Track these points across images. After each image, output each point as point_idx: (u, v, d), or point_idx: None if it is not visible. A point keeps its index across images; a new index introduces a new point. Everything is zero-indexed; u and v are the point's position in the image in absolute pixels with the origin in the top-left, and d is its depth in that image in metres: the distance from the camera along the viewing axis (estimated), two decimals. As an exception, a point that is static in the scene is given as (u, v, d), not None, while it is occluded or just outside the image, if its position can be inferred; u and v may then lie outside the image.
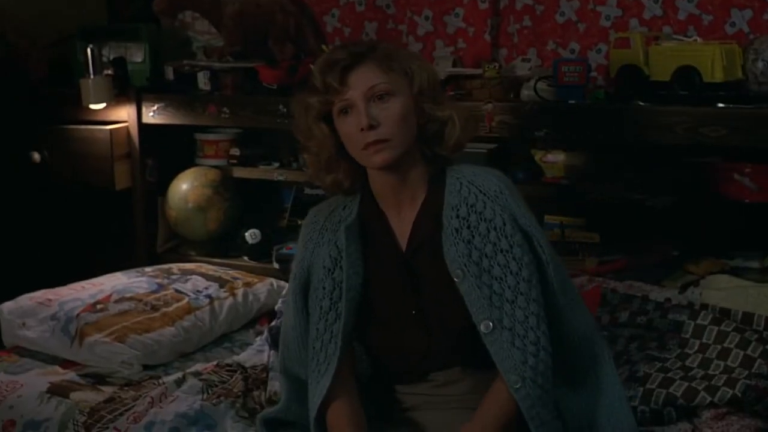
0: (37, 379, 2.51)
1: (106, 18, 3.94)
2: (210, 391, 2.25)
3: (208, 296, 2.84)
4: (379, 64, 1.81)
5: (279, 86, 3.22)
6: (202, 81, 3.35)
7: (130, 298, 2.76)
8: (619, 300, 2.57)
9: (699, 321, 2.39)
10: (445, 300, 1.80)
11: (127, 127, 3.41)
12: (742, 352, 2.26)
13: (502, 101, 2.90)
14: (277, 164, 3.43)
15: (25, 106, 3.60)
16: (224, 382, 2.33)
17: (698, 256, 2.84)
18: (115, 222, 3.51)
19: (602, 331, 2.05)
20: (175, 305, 2.74)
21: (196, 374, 2.35)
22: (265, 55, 3.31)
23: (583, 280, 2.73)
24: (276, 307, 2.92)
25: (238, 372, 2.43)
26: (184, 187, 3.38)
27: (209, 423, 2.18)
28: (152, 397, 2.28)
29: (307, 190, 3.35)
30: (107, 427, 2.23)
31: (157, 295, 2.79)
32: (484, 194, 1.80)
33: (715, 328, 2.35)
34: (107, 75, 3.38)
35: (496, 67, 2.99)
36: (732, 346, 2.29)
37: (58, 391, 2.42)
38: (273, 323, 2.73)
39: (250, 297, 2.93)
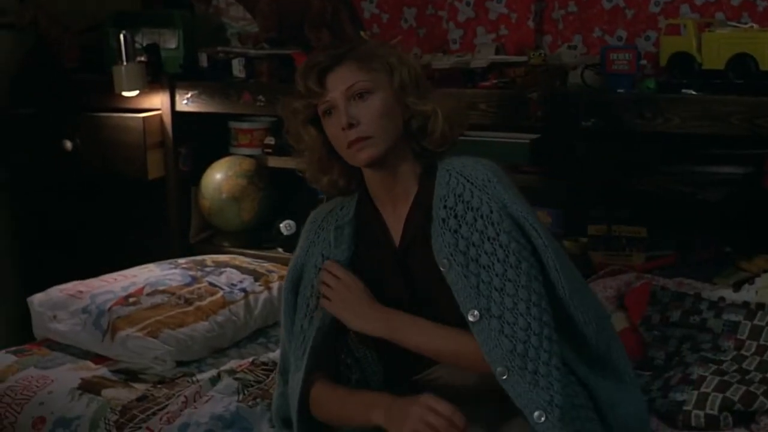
0: (69, 374, 2.44)
1: (139, 4, 3.89)
2: (246, 392, 2.18)
3: (243, 290, 2.77)
4: (358, 63, 1.82)
5: None
6: (237, 68, 3.28)
7: (163, 291, 2.69)
8: (670, 298, 2.46)
9: (756, 322, 2.29)
10: (438, 293, 1.79)
11: (160, 115, 3.36)
12: (802, 355, 2.16)
13: (547, 90, 2.79)
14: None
15: (57, 93, 3.57)
16: (260, 382, 2.25)
17: (751, 252, 2.74)
18: (147, 212, 3.45)
19: (609, 315, 2.02)
20: (209, 299, 2.67)
21: (231, 372, 2.27)
22: (301, 42, 3.25)
23: (630, 277, 2.62)
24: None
25: (275, 371, 2.33)
26: (218, 176, 3.33)
27: (245, 426, 2.11)
28: (186, 397, 2.21)
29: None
30: (139, 427, 2.17)
31: (191, 288, 2.72)
32: (472, 183, 1.79)
33: (774, 330, 2.25)
34: (140, 62, 3.32)
35: (542, 55, 2.89)
36: (792, 348, 2.19)
37: (89, 387, 2.36)
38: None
39: (285, 290, 2.84)
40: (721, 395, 2.08)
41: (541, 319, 1.71)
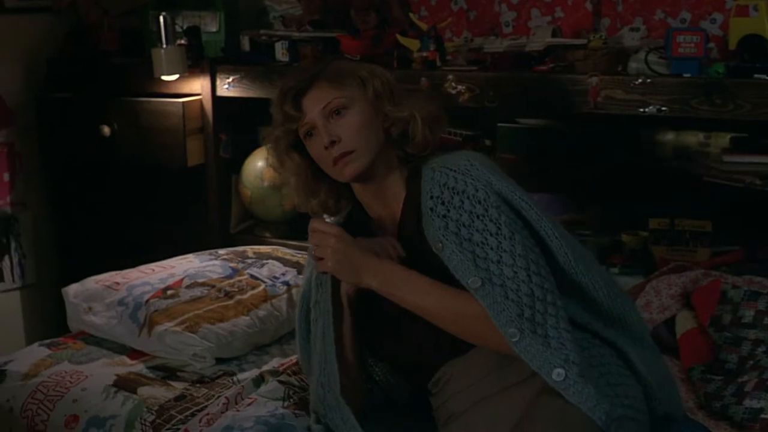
0: (104, 370, 2.33)
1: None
2: (292, 399, 2.03)
3: (286, 283, 2.64)
4: (330, 81, 1.86)
5: (362, 58, 3.03)
6: (280, 52, 3.19)
7: (203, 284, 2.57)
8: (743, 298, 2.30)
9: (838, 324, 2.12)
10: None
11: (200, 100, 3.27)
12: None
13: (608, 74, 2.64)
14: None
15: (95, 77, 3.50)
16: (305, 390, 2.06)
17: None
18: (186, 200, 3.38)
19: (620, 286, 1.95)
20: (251, 292, 2.55)
21: (275, 373, 2.13)
22: (347, 25, 3.16)
23: (697, 274, 2.46)
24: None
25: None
26: (260, 164, 3.23)
27: (293, 434, 1.99)
28: (228, 398, 2.08)
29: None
30: (177, 429, 2.05)
31: (231, 281, 2.60)
32: (455, 170, 1.79)
33: None
34: (180, 45, 3.24)
35: (602, 37, 2.73)
36: None
37: (125, 384, 2.24)
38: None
39: (330, 284, 2.71)
40: (802, 403, 1.94)
41: (542, 286, 1.70)
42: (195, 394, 2.17)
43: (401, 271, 1.80)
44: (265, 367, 2.27)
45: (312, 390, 1.89)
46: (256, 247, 2.96)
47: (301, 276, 2.65)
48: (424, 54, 2.92)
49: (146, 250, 2.98)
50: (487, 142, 3.13)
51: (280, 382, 2.07)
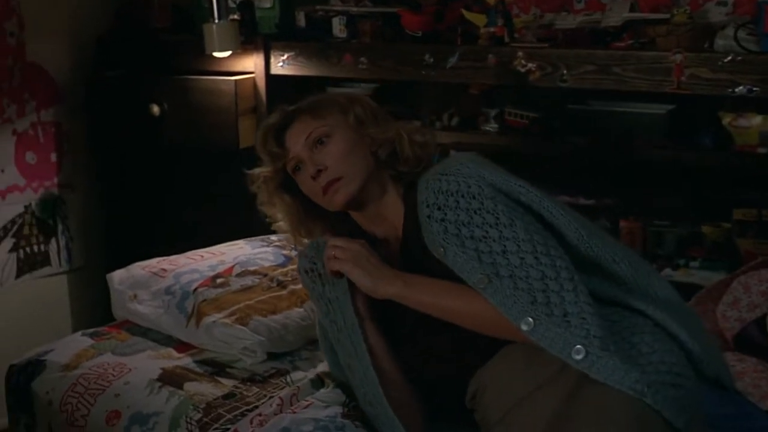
0: (148, 362, 2.19)
1: (233, -41, 3.66)
2: (351, 405, 1.86)
3: (341, 272, 2.46)
4: (310, 113, 1.90)
5: (424, 34, 2.95)
6: (338, 27, 3.10)
7: (254, 272, 2.43)
8: None
9: None
10: None
11: (253, 79, 3.17)
12: None
13: (693, 51, 2.44)
14: (418, 122, 3.02)
15: (145, 55, 3.43)
16: None
17: None
18: (238, 183, 3.12)
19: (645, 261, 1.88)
20: (305, 282, 2.38)
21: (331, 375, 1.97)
22: (408, -1, 3.01)
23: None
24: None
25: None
26: None
27: (356, 441, 1.83)
28: (282, 399, 1.93)
29: (454, 154, 2.93)
30: (227, 429, 1.90)
31: (284, 270, 2.45)
32: (446, 174, 1.76)
33: None
34: (233, 20, 3.11)
35: (687, 12, 2.53)
36: None
37: (170, 379, 2.09)
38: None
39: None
40: None
41: (554, 264, 1.65)
42: (245, 393, 2.02)
43: (416, 277, 1.77)
44: (321, 367, 2.11)
45: (366, 411, 1.81)
46: (311, 234, 2.78)
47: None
48: (492, 30, 2.78)
49: (195, 234, 2.90)
50: (556, 125, 2.95)
51: (337, 385, 1.90)
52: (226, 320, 2.18)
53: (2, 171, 3.30)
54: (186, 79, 3.20)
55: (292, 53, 3.08)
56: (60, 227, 3.52)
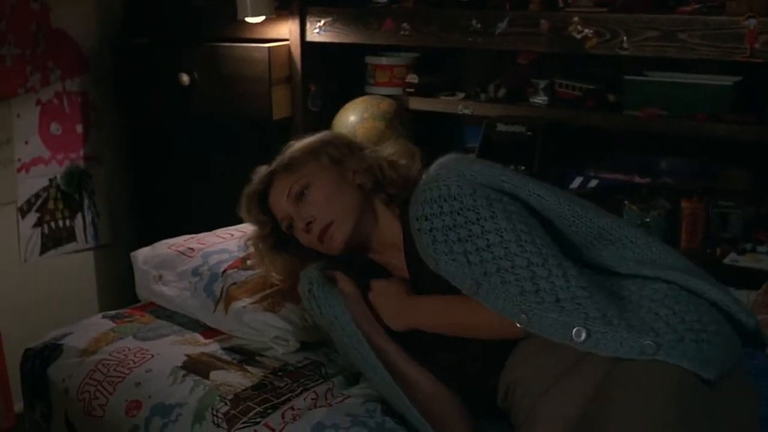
0: (172, 348, 2.03)
1: None
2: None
3: (382, 253, 2.30)
4: (284, 171, 1.92)
5: None
6: None
7: (288, 252, 2.25)
8: None
9: None
10: None
11: (288, 46, 3.04)
12: None
13: (768, 17, 2.26)
14: (462, 95, 3.02)
15: (173, 21, 3.28)
16: None
17: None
18: (270, 157, 3.00)
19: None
20: (341, 264, 2.21)
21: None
22: (455, -39, 2.86)
23: None
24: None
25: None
26: (352, 118, 2.99)
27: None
28: (316, 393, 1.78)
29: (501, 127, 2.79)
30: (256, 423, 1.74)
31: (322, 250, 2.27)
32: (428, 182, 1.76)
33: None
34: (267, -16, 2.97)
35: (761, -28, 2.32)
36: None
37: (195, 367, 1.93)
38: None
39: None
40: None
41: (540, 252, 1.63)
42: (276, 384, 1.85)
43: (415, 301, 1.80)
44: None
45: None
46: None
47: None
48: (545, -8, 2.59)
49: (226, 210, 2.69)
50: (611, 98, 2.78)
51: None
52: (257, 306, 2.02)
53: (26, 142, 3.19)
54: (217, 46, 3.07)
55: (329, 19, 2.96)
56: (86, 202, 3.42)
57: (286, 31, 3.02)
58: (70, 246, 3.38)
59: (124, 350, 2.03)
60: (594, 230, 1.74)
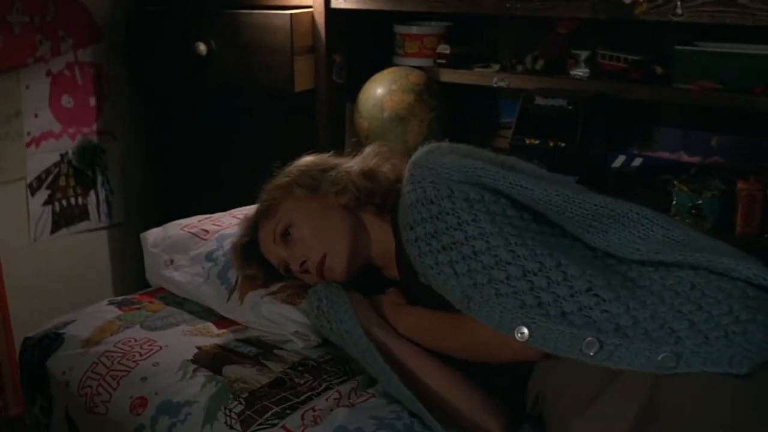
0: (182, 340, 1.86)
1: None
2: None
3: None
4: (265, 216, 1.85)
5: None
6: None
7: (309, 236, 2.08)
8: None
9: None
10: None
11: (311, 14, 2.86)
12: None
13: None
14: (497, 66, 2.87)
15: None
16: None
17: None
18: (292, 132, 3.01)
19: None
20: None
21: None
22: None
23: None
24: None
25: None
26: (380, 91, 2.84)
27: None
28: (339, 392, 1.61)
29: (540, 100, 2.61)
30: (273, 425, 1.57)
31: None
32: (407, 185, 1.65)
33: None
34: (289, -54, 2.83)
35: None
36: None
37: (207, 361, 1.77)
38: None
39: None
40: None
41: (534, 254, 1.49)
42: (296, 381, 1.68)
43: (399, 316, 1.72)
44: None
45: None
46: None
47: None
48: (589, -46, 2.40)
49: (246, 187, 2.58)
50: (658, 70, 2.58)
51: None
52: (276, 297, 1.86)
53: (36, 116, 3.05)
54: (236, 13, 2.91)
55: (356, -16, 2.79)
56: (99, 178, 3.29)
57: (310, -4, 2.87)
58: (83, 225, 3.26)
59: (130, 341, 1.86)
60: (590, 210, 1.59)
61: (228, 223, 2.16)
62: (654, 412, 1.39)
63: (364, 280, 1.82)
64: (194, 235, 2.12)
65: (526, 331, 1.47)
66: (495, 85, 2.76)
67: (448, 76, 2.86)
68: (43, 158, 3.09)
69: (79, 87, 3.16)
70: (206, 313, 1.98)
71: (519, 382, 1.62)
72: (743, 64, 2.42)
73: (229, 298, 1.92)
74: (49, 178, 3.13)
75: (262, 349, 1.81)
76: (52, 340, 1.92)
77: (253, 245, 1.87)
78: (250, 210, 2.21)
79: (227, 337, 1.87)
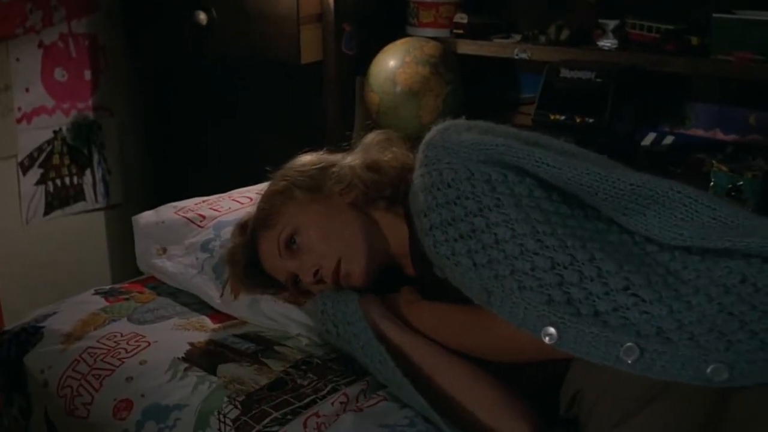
0: (173, 335, 1.70)
1: None
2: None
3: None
4: (263, 228, 1.69)
5: None
6: None
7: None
8: None
9: None
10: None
11: None
12: None
13: None
14: (518, 37, 2.78)
15: None
16: None
17: None
18: (297, 107, 2.93)
19: None
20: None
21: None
22: None
23: None
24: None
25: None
26: (392, 63, 2.76)
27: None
28: (347, 395, 1.46)
29: (565, 73, 2.51)
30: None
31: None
32: (420, 168, 1.52)
33: None
34: None
35: None
36: None
37: (200, 359, 1.60)
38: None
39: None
40: None
41: (564, 246, 1.35)
42: (299, 381, 1.52)
43: (413, 312, 1.58)
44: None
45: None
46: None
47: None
48: None
49: (249, 163, 2.52)
50: (694, 40, 2.45)
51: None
52: (277, 296, 1.72)
53: (27, 90, 2.94)
54: (238, -21, 2.84)
55: (367, -53, 2.71)
56: (95, 157, 3.21)
57: (317, -39, 2.79)
58: (78, 206, 3.17)
59: (115, 336, 1.70)
60: (625, 190, 1.43)
61: (227, 208, 2.00)
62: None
63: (381, 282, 1.67)
64: (190, 220, 1.96)
65: (553, 331, 1.32)
66: (516, 57, 2.68)
67: (465, 47, 2.78)
68: (35, 135, 3.00)
69: (73, 59, 3.06)
70: (201, 306, 1.82)
71: (552, 380, 1.49)
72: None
73: (222, 293, 1.77)
74: (42, 157, 3.03)
75: (262, 346, 1.65)
76: (31, 334, 1.76)
77: (253, 262, 1.71)
78: (250, 191, 2.12)
79: (223, 333, 1.70)
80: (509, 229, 1.38)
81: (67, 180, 3.11)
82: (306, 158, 1.75)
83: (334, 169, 1.70)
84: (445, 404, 1.44)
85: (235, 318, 1.75)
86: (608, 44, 2.55)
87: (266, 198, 1.73)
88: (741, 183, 2.22)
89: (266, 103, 3.01)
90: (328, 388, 1.50)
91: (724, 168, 2.27)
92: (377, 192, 1.67)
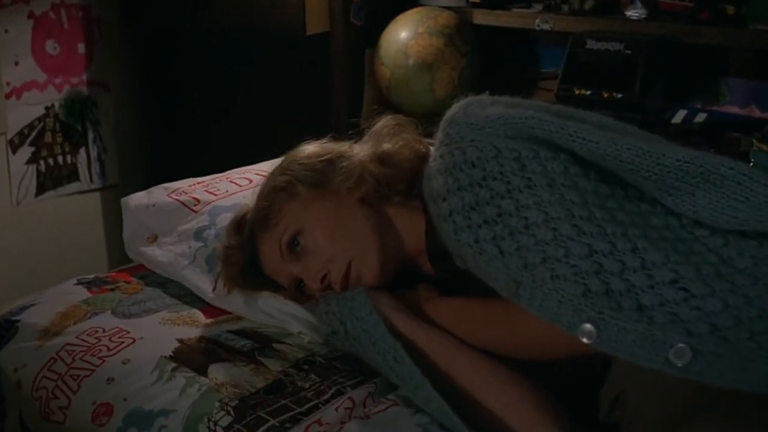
0: (161, 330, 1.55)
1: None
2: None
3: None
4: (263, 228, 1.56)
5: None
6: None
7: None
8: None
9: None
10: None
11: None
12: None
13: None
14: (539, 6, 2.74)
15: None
16: None
17: None
18: (303, 80, 2.91)
19: None
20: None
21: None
22: None
23: None
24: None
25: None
26: (404, 35, 2.73)
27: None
28: (353, 399, 1.33)
29: (591, 44, 2.43)
30: (269, 443, 1.28)
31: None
32: (438, 152, 1.42)
33: None
34: None
35: None
36: None
37: (189, 359, 1.46)
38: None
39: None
40: None
41: (604, 233, 1.23)
42: (299, 384, 1.38)
43: (430, 309, 1.47)
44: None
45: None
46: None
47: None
48: None
49: (250, 141, 2.54)
50: (729, 10, 2.34)
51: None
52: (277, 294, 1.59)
53: (16, 63, 2.82)
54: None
55: None
56: (90, 134, 3.10)
57: (324, -75, 2.76)
58: (72, 186, 3.06)
59: (96, 331, 1.56)
60: (671, 167, 1.28)
61: (224, 191, 1.87)
62: None
63: (395, 285, 1.55)
64: (183, 204, 1.83)
65: (591, 329, 1.19)
66: (537, 28, 2.61)
67: (482, 17, 2.73)
68: (25, 111, 2.88)
69: (65, 31, 2.94)
70: (193, 298, 1.68)
71: (589, 379, 1.38)
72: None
73: (215, 287, 1.63)
74: (33, 134, 2.92)
75: (259, 343, 1.51)
76: (4, 329, 1.63)
77: (252, 265, 1.59)
78: (249, 171, 2.00)
79: (216, 328, 1.56)
80: (541, 212, 1.27)
81: (60, 159, 3.00)
82: (309, 149, 1.62)
83: (342, 163, 1.58)
84: (468, 408, 1.31)
85: (230, 312, 1.61)
86: (636, 14, 2.48)
87: (266, 195, 1.60)
88: (784, 163, 2.09)
89: (269, 77, 2.93)
90: (331, 391, 1.36)
91: (764, 147, 2.15)
92: (390, 187, 1.56)
